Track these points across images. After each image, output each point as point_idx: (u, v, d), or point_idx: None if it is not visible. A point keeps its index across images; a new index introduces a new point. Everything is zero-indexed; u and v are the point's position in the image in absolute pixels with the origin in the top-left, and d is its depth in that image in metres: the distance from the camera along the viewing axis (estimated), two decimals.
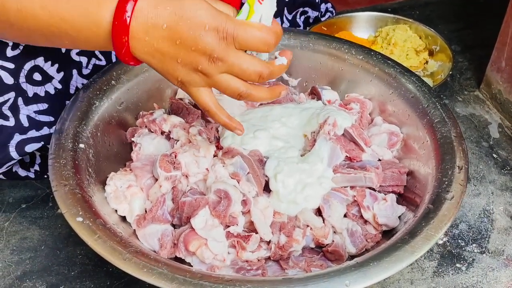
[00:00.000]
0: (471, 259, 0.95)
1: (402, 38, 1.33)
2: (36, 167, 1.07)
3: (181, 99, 1.05)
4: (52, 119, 0.99)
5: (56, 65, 0.98)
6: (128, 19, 0.69)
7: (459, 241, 0.98)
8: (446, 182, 0.84)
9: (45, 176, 1.08)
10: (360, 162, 0.95)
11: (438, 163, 0.88)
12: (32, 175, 1.07)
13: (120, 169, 0.97)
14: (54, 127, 0.96)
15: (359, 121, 1.02)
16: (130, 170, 0.93)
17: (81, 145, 0.91)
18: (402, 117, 1.00)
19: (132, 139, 0.99)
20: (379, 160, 0.97)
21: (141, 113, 1.03)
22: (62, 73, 0.99)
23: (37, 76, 0.96)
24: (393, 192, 0.93)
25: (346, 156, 0.95)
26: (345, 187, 0.91)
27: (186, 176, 0.92)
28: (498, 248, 0.97)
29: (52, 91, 0.99)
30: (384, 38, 1.35)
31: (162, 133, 0.99)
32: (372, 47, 1.28)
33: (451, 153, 0.88)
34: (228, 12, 0.73)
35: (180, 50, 0.70)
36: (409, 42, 1.33)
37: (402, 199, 0.94)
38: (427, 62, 1.34)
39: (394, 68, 1.04)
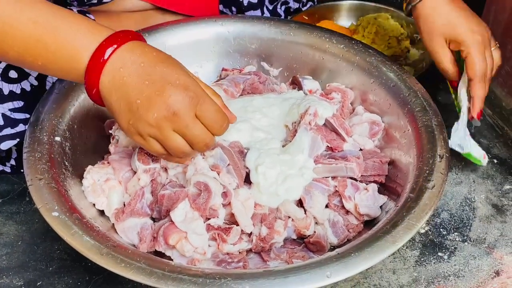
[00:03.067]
0: (453, 247, 0.95)
1: (383, 27, 1.31)
2: (12, 162, 1.05)
3: None
4: (27, 116, 0.96)
5: None
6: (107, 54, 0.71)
7: (441, 229, 0.98)
8: (427, 171, 0.83)
9: (22, 171, 1.04)
10: (342, 152, 0.94)
11: (419, 152, 0.88)
12: (8, 170, 1.05)
13: (98, 162, 0.96)
14: None
15: (340, 111, 1.01)
16: (108, 163, 0.92)
17: (57, 138, 0.89)
18: (384, 106, 1.00)
19: (110, 131, 0.96)
20: (361, 150, 0.97)
21: None
22: None
23: (12, 74, 0.93)
24: (374, 182, 0.93)
25: (328, 146, 0.94)
26: (326, 177, 0.91)
27: (165, 169, 0.90)
28: (480, 236, 0.97)
29: (28, 88, 0.96)
30: (365, 27, 1.33)
31: None
32: (353, 36, 1.25)
33: (432, 142, 0.88)
34: (208, 92, 0.77)
35: (145, 91, 0.71)
36: (390, 31, 1.31)
37: (383, 188, 0.93)
38: (408, 50, 1.32)
39: (375, 57, 1.03)
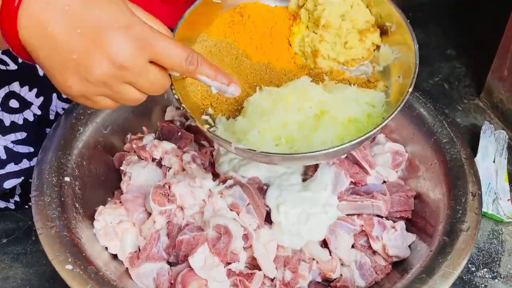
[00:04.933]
0: (483, 285, 0.92)
1: (337, 13, 0.81)
2: (16, 198, 1.00)
3: (171, 121, 1.00)
4: (31, 149, 0.92)
5: (35, 90, 0.91)
6: None
7: (470, 265, 0.95)
8: (460, 211, 0.80)
9: (26, 207, 1.02)
10: (366, 186, 0.90)
11: (449, 189, 0.85)
12: (12, 206, 1.01)
13: (109, 199, 0.91)
14: (35, 159, 0.90)
15: None
16: (120, 202, 0.87)
17: (66, 178, 0.85)
18: (406, 135, 0.96)
19: (121, 167, 0.93)
20: (384, 182, 0.93)
21: (128, 136, 0.97)
22: (41, 98, 0.93)
23: (14, 103, 0.89)
24: (401, 217, 0.89)
25: (351, 181, 0.90)
26: (351, 214, 0.87)
27: (182, 208, 0.86)
28: (510, 272, 0.94)
29: (31, 118, 0.92)
30: (311, 12, 0.84)
31: (153, 160, 0.93)
32: (294, 27, 0.84)
33: (462, 177, 0.85)
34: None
35: (79, 42, 0.56)
36: (349, 20, 0.81)
37: (410, 224, 0.89)
38: (378, 47, 0.83)
39: None
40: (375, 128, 0.69)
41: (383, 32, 0.81)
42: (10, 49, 0.59)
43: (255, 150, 0.68)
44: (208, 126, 0.74)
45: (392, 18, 0.79)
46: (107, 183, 0.94)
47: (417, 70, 0.73)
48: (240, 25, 0.82)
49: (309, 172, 0.92)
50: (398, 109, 0.70)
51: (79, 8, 0.56)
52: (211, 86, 0.65)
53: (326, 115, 0.73)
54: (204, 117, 0.77)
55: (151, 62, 0.60)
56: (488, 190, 1.04)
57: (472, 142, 1.14)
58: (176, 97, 0.71)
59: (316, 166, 0.90)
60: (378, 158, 0.95)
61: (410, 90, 0.71)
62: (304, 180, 0.90)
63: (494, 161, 1.08)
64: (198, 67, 0.62)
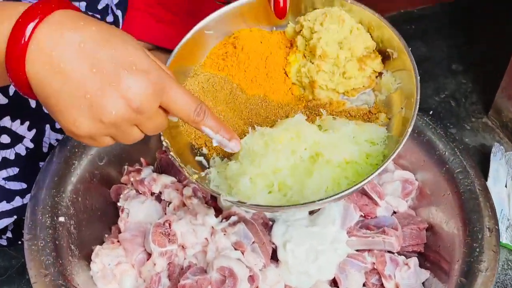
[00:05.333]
0: None
1: (334, 41, 0.76)
2: (9, 234, 0.96)
3: None
4: (24, 186, 0.87)
5: (27, 123, 0.86)
6: (29, 31, 0.53)
7: None
8: (477, 249, 0.76)
9: (19, 242, 0.97)
10: (376, 219, 0.87)
11: (464, 223, 0.80)
12: (4, 243, 0.96)
13: (106, 235, 0.87)
14: (27, 196, 0.85)
15: None
16: (118, 242, 0.83)
17: (61, 219, 0.81)
18: (416, 162, 0.92)
19: (119, 203, 0.89)
20: (394, 212, 0.90)
21: (125, 167, 0.94)
22: (34, 131, 0.88)
23: (4, 139, 0.84)
24: (413, 251, 0.86)
25: (360, 212, 0.86)
26: (361, 250, 0.83)
27: (183, 247, 0.82)
28: None
29: (23, 152, 0.87)
30: (307, 40, 0.78)
31: (152, 194, 0.89)
32: (290, 56, 0.79)
33: (478, 211, 0.80)
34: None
35: (94, 82, 0.54)
36: (347, 49, 0.75)
37: (423, 259, 0.86)
38: (380, 74, 0.77)
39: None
40: (372, 174, 0.65)
41: (385, 57, 0.77)
42: (12, 84, 0.56)
43: (244, 203, 0.68)
44: (196, 176, 0.71)
45: (393, 44, 0.74)
46: (104, 218, 0.90)
47: (417, 106, 0.69)
48: (234, 57, 0.79)
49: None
50: (396, 152, 0.66)
51: (95, 47, 0.54)
52: (212, 138, 0.64)
53: (321, 158, 0.70)
54: (198, 158, 0.76)
55: (160, 106, 0.60)
56: (500, 217, 1.00)
57: (482, 164, 1.10)
58: (165, 144, 0.70)
59: None
60: (387, 186, 0.92)
61: (409, 130, 0.67)
62: (311, 213, 0.86)
63: (506, 186, 1.05)
64: (204, 119, 0.62)
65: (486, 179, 1.05)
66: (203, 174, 0.73)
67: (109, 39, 0.56)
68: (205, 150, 0.76)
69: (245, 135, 0.75)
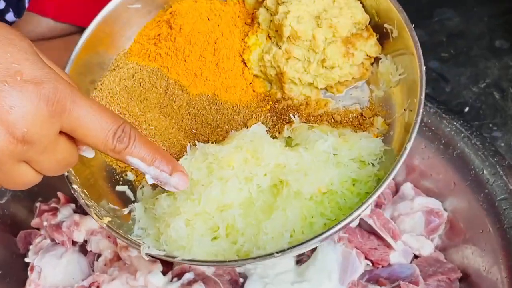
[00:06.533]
0: None
1: (309, 16, 0.69)
2: None
3: None
4: None
5: None
6: None
7: None
8: None
9: None
10: (388, 268, 0.84)
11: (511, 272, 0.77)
12: None
13: None
14: None
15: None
16: None
17: None
18: (444, 185, 0.89)
19: (26, 259, 0.85)
20: (415, 257, 0.87)
21: (37, 205, 0.91)
22: None
23: None
24: None
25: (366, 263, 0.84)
26: None
27: None
28: None
29: None
30: (272, 12, 0.71)
31: (74, 243, 0.86)
32: (249, 38, 0.73)
33: None
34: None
35: None
36: (326, 26, 0.67)
37: None
38: (376, 61, 0.70)
39: (425, 106, 0.88)
40: (357, 209, 0.59)
41: (384, 36, 0.68)
42: None
43: (174, 257, 0.62)
44: (108, 219, 0.66)
45: (392, 16, 0.66)
46: (8, 277, 0.87)
47: (421, 110, 0.62)
48: (169, 41, 0.71)
49: (305, 252, 0.83)
50: (390, 178, 0.60)
51: None
52: (145, 173, 0.58)
53: (286, 189, 0.64)
54: (120, 188, 0.71)
55: (61, 132, 0.54)
56: None
57: None
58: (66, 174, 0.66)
59: None
60: (404, 221, 0.88)
61: (409, 147, 0.61)
62: (298, 262, 0.84)
63: None
64: (130, 145, 0.56)
65: None
66: (125, 211, 0.68)
67: None
68: (131, 176, 0.71)
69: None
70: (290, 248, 0.59)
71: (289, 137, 0.70)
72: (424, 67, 0.63)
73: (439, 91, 1.19)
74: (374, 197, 0.59)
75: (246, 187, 0.65)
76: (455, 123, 0.88)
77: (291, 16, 0.66)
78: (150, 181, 0.59)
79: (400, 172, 0.94)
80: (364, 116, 0.70)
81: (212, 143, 0.70)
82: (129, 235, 0.65)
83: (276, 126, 0.71)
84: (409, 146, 0.60)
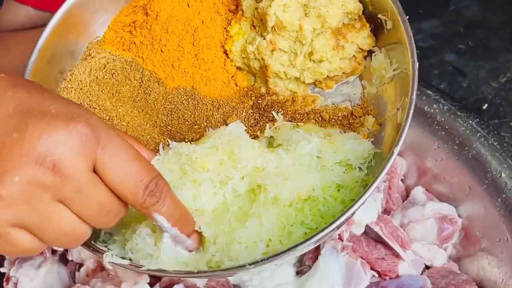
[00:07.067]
0: None
1: (296, 3, 0.70)
2: None
3: None
4: None
5: None
6: None
7: None
8: None
9: None
10: (396, 280, 0.85)
11: None
12: None
13: None
14: None
15: (386, 197, 0.92)
16: None
17: None
18: (459, 189, 0.90)
19: (1, 269, 0.86)
20: (427, 268, 0.88)
21: None
22: None
23: None
24: None
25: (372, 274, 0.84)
26: None
27: None
28: None
29: None
30: (252, 5, 0.72)
31: (53, 252, 0.86)
32: (232, 26, 0.74)
33: None
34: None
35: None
36: (315, 15, 0.68)
37: None
38: (370, 55, 0.71)
39: (438, 103, 0.93)
40: (340, 217, 0.59)
41: (378, 27, 0.68)
42: None
43: (140, 267, 0.61)
44: None
45: (385, 6, 0.66)
46: None
47: (411, 111, 0.62)
48: (144, 29, 0.70)
49: (305, 261, 0.86)
50: (376, 183, 0.59)
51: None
52: (165, 231, 0.59)
53: (263, 194, 0.63)
54: None
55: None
56: None
57: None
58: None
59: (316, 252, 0.83)
60: (415, 228, 0.89)
61: (396, 151, 0.60)
62: (298, 273, 0.85)
63: None
64: (160, 202, 0.56)
65: None
66: None
67: (18, 84, 0.55)
68: None
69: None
70: (264, 259, 0.58)
71: (271, 136, 0.69)
72: (417, 63, 0.63)
73: (455, 87, 1.19)
74: (359, 204, 0.59)
75: (221, 191, 0.65)
76: (470, 122, 0.90)
77: (276, 4, 0.65)
78: (166, 240, 0.62)
79: (411, 175, 0.95)
80: (354, 115, 0.69)
81: (188, 141, 0.68)
82: (93, 241, 0.64)
83: (258, 124, 0.70)
84: (396, 150, 0.59)
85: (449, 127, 0.92)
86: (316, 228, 0.61)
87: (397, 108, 0.65)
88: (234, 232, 0.62)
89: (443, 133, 0.93)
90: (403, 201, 0.94)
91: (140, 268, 0.61)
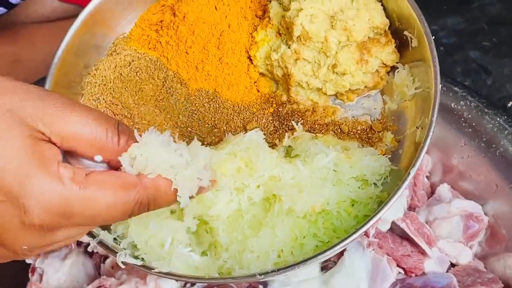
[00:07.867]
0: None
1: (323, 15, 0.69)
2: None
3: None
4: None
5: None
6: None
7: None
8: None
9: None
10: (422, 277, 0.85)
11: None
12: None
13: None
14: None
15: (411, 194, 0.91)
16: None
17: None
18: (485, 186, 0.90)
19: (27, 260, 0.85)
20: (452, 265, 0.88)
21: None
22: None
23: None
24: None
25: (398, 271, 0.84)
26: None
27: None
28: None
29: None
30: (285, 7, 0.72)
31: (79, 244, 0.87)
32: (258, 33, 0.74)
33: None
34: None
35: None
36: (341, 28, 0.68)
37: None
38: (393, 70, 0.71)
39: (465, 99, 0.92)
40: (356, 232, 0.59)
41: (403, 44, 0.68)
42: None
43: (153, 269, 0.61)
44: None
45: (412, 23, 0.65)
46: (7, 279, 0.89)
47: (431, 132, 0.62)
48: (171, 30, 0.70)
49: (331, 258, 0.84)
50: (391, 203, 0.60)
51: None
52: None
53: (278, 204, 0.63)
54: None
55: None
56: None
57: None
58: None
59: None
60: (441, 225, 0.89)
61: (413, 172, 0.60)
62: (323, 269, 0.85)
63: None
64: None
65: None
66: None
67: None
68: None
69: None
70: (274, 270, 0.59)
71: (289, 146, 0.69)
72: (440, 85, 0.62)
73: (479, 84, 1.17)
74: (373, 222, 0.59)
75: (237, 198, 0.64)
76: (498, 119, 0.89)
77: (303, 14, 0.65)
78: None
79: (436, 172, 0.95)
80: (374, 130, 0.69)
81: (207, 144, 0.67)
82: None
83: (278, 132, 0.70)
84: (413, 172, 0.59)
85: (476, 124, 0.92)
86: (328, 242, 0.62)
87: (417, 127, 0.65)
88: (247, 240, 0.63)
89: (470, 130, 0.92)
90: (428, 198, 0.94)
91: (152, 270, 0.62)
